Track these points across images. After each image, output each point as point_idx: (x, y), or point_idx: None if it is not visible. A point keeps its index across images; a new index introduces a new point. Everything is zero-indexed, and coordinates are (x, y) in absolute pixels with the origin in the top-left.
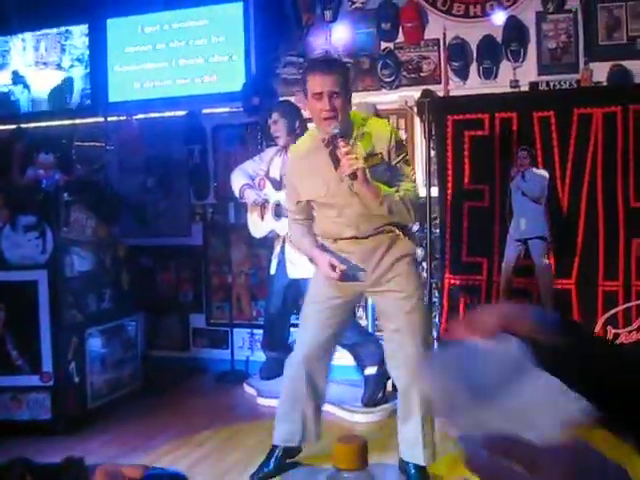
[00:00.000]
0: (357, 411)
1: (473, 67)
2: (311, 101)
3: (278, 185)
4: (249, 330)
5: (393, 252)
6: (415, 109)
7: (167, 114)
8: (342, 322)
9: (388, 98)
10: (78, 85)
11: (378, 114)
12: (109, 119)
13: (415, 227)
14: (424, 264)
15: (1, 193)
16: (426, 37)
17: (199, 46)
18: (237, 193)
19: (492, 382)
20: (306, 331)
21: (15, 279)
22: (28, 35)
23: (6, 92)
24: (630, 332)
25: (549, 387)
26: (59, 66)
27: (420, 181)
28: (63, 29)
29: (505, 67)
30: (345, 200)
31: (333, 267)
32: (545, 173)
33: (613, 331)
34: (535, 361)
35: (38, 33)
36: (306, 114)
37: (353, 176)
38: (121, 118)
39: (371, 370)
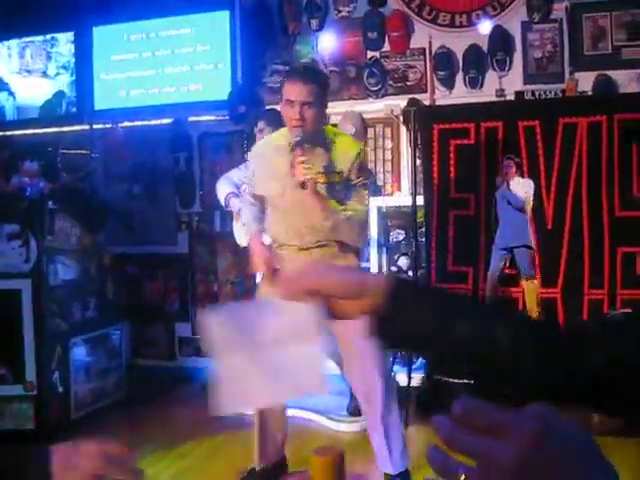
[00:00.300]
0: (342, 420)
1: (459, 76)
2: (283, 106)
3: None
4: None
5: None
6: (401, 118)
7: (153, 122)
8: None
9: (374, 107)
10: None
11: (365, 123)
12: (95, 127)
13: (401, 236)
14: (410, 273)
15: None
16: (412, 46)
17: (185, 54)
18: (223, 202)
19: (266, 337)
20: None
21: None
22: (13, 42)
23: None
24: None
25: (307, 355)
26: (45, 73)
27: (406, 190)
28: (49, 36)
29: (491, 76)
30: (295, 207)
31: (265, 265)
32: (530, 182)
33: None
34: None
35: (24, 40)
36: None
37: (303, 185)
38: (107, 126)
39: None
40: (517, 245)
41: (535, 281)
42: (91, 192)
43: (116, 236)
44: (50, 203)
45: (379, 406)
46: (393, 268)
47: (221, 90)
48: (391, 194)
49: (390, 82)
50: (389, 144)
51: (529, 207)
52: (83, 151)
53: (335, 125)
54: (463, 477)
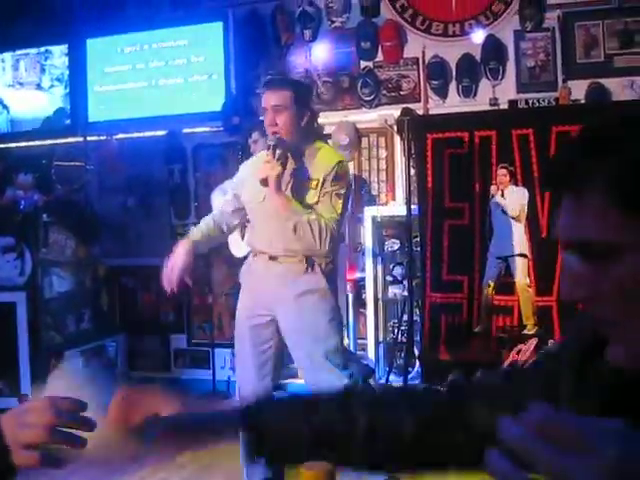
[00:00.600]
0: None
1: (452, 85)
2: (263, 115)
3: None
4: (230, 350)
5: (299, 284)
6: (395, 127)
7: (147, 134)
8: (272, 344)
9: (368, 117)
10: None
11: (359, 133)
12: (89, 139)
13: (396, 246)
14: (405, 282)
15: None
16: (405, 56)
17: (179, 66)
18: None
19: None
20: (238, 358)
21: None
22: (7, 55)
23: None
24: None
25: None
26: (39, 86)
27: (400, 199)
28: (43, 49)
29: (484, 85)
30: (265, 212)
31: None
32: (525, 191)
33: None
34: None
35: (17, 53)
36: None
37: (264, 182)
38: (101, 138)
39: None
40: (512, 254)
41: (530, 289)
42: (85, 204)
43: (111, 248)
44: (44, 216)
45: None
46: (388, 277)
47: (215, 101)
48: (385, 204)
49: (384, 92)
50: (383, 154)
51: (523, 216)
52: (77, 163)
53: (329, 135)
54: None
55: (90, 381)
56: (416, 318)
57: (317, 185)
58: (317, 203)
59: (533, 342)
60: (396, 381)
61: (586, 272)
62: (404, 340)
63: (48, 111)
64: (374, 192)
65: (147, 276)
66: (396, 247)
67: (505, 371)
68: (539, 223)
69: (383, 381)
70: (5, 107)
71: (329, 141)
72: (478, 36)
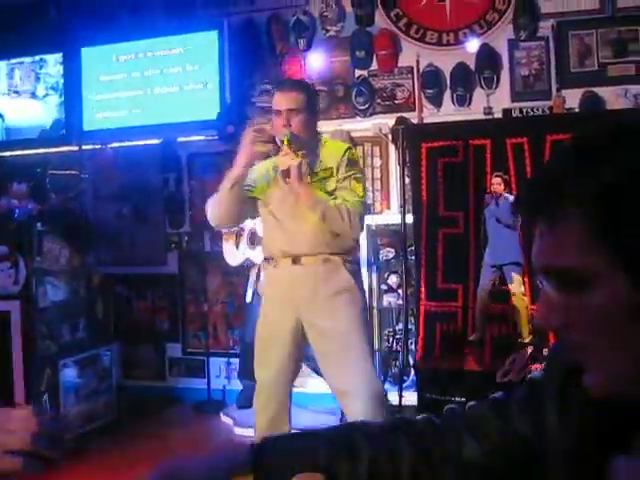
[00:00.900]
0: None
1: (447, 94)
2: (274, 118)
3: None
4: (226, 359)
5: (330, 285)
6: (389, 136)
7: (142, 142)
8: (292, 353)
9: (362, 125)
10: (55, 116)
11: (353, 142)
12: (84, 147)
13: (391, 254)
14: (399, 291)
15: None
16: (400, 65)
17: (174, 74)
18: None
19: None
20: (258, 366)
21: None
22: (2, 63)
23: None
24: None
25: None
26: (33, 95)
27: (395, 208)
28: (37, 58)
29: (478, 94)
30: (287, 210)
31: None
32: None
33: None
34: None
35: (12, 61)
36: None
37: (286, 173)
38: (96, 146)
39: None
40: (507, 262)
41: (525, 298)
42: (80, 213)
43: (105, 257)
44: (39, 224)
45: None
46: (383, 286)
47: (210, 110)
48: (380, 212)
49: (378, 101)
50: (378, 162)
51: (518, 224)
52: (72, 172)
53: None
54: None
55: None
56: (411, 327)
57: (333, 173)
58: (337, 189)
59: (528, 350)
60: (391, 390)
61: (560, 300)
62: (399, 349)
63: (43, 120)
64: (369, 201)
65: (142, 285)
66: (391, 256)
67: (492, 402)
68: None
69: None
70: (0, 116)
71: None
72: (472, 45)
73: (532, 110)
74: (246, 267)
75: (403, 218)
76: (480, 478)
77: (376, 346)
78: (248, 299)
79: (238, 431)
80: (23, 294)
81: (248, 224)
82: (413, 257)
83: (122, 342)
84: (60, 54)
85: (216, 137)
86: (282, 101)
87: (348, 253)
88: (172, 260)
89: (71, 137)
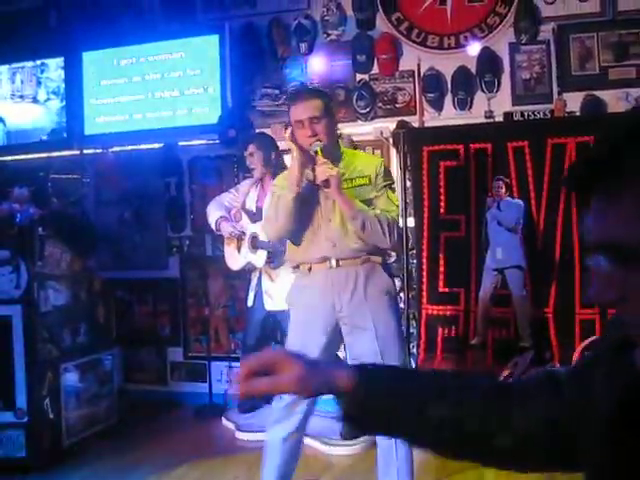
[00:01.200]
0: (336, 444)
1: (448, 98)
2: (295, 130)
3: (254, 217)
4: (227, 363)
5: (370, 285)
6: (391, 140)
7: (143, 147)
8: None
9: (364, 129)
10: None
11: (355, 146)
12: (85, 152)
13: (392, 259)
14: (402, 294)
15: None
16: (401, 68)
17: (175, 78)
18: (213, 225)
19: None
20: None
21: None
22: (4, 68)
23: None
24: None
25: None
26: (35, 99)
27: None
28: (39, 62)
29: (479, 98)
30: (323, 216)
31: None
32: (520, 202)
33: None
34: None
35: (14, 66)
36: (282, 146)
37: (326, 183)
38: (97, 151)
39: None
40: (508, 266)
41: (526, 301)
42: (82, 217)
43: (107, 261)
44: (40, 229)
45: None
46: None
47: (211, 114)
48: None
49: (379, 104)
50: None
51: (519, 227)
52: (73, 176)
53: None
54: None
55: None
56: (413, 330)
57: (370, 181)
58: (375, 198)
59: (529, 354)
60: None
61: (615, 274)
62: None
63: (44, 124)
64: None
65: (143, 289)
66: (392, 259)
67: (547, 372)
68: (535, 235)
69: None
70: (1, 120)
71: None
72: (473, 49)
73: (533, 114)
74: (247, 271)
75: (405, 221)
76: (530, 444)
77: None
78: (249, 303)
79: (240, 435)
80: (25, 298)
81: (249, 228)
82: (415, 261)
83: (123, 346)
84: (61, 58)
85: (217, 141)
86: (303, 111)
87: (384, 255)
88: (173, 264)
89: (72, 141)
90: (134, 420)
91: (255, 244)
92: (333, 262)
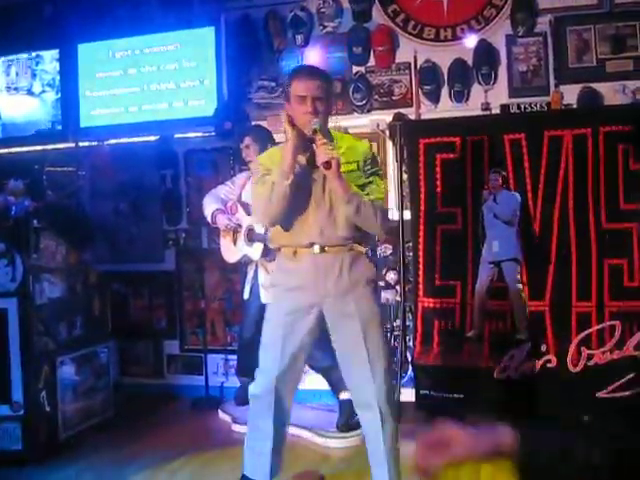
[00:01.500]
0: (331, 436)
1: (444, 90)
2: (294, 104)
3: (250, 210)
4: (223, 356)
5: (355, 272)
6: (387, 132)
7: (139, 139)
8: (306, 344)
9: (360, 122)
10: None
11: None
12: (81, 144)
13: (389, 251)
14: (397, 287)
15: None
16: (397, 61)
17: (170, 71)
18: (209, 218)
19: None
20: (267, 358)
21: None
22: None
23: None
24: (604, 353)
25: None
26: (30, 91)
27: (393, 204)
28: (34, 54)
29: (476, 90)
30: (316, 200)
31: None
32: (517, 195)
33: (587, 352)
34: None
35: (8, 58)
36: (278, 138)
37: (327, 165)
38: (93, 143)
39: (345, 394)
40: (505, 258)
41: (523, 294)
42: (77, 210)
43: (102, 254)
44: (35, 221)
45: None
46: (381, 283)
47: (207, 107)
48: None
49: (376, 97)
50: None
51: (516, 220)
52: (69, 169)
53: None
54: None
55: None
56: (409, 323)
57: (358, 168)
58: (364, 185)
59: (526, 347)
60: None
61: None
62: (397, 345)
63: (39, 117)
64: None
65: (139, 282)
66: (389, 252)
67: None
68: (532, 228)
69: None
70: None
71: None
72: (470, 41)
73: (530, 106)
74: (244, 264)
75: (401, 214)
76: None
77: None
78: (246, 296)
79: (236, 428)
80: (20, 291)
81: (245, 221)
82: (411, 253)
83: (119, 339)
84: (56, 50)
85: (213, 134)
86: (309, 87)
87: (368, 245)
88: (169, 257)
89: (68, 134)
90: (130, 413)
91: (251, 237)
92: (318, 248)
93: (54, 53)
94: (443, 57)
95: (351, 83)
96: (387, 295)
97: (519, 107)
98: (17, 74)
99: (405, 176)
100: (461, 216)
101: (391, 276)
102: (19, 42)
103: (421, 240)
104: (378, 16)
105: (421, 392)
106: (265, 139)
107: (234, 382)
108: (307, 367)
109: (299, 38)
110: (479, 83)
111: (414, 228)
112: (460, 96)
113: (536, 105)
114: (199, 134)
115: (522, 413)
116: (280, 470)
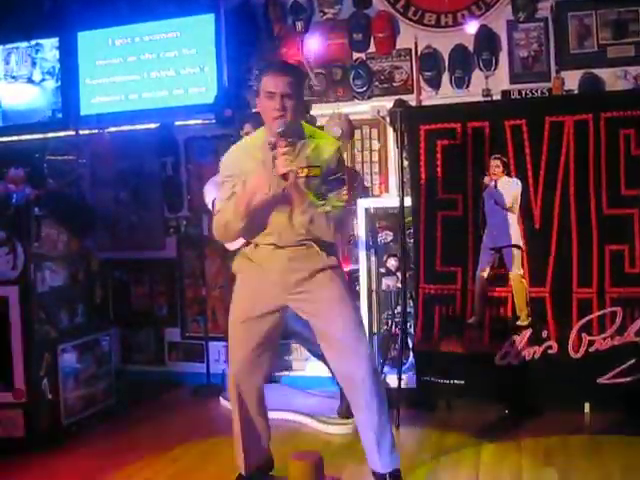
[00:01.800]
0: (332, 422)
1: (445, 76)
2: (263, 100)
3: None
4: (224, 343)
5: (311, 264)
6: (388, 119)
7: (139, 126)
8: (271, 335)
9: (360, 108)
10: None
11: (352, 124)
12: (81, 132)
13: (389, 237)
14: (398, 274)
15: None
16: (398, 47)
17: (170, 58)
18: (210, 205)
19: None
20: (233, 351)
21: None
22: None
23: None
24: (605, 339)
25: None
26: (30, 79)
27: (394, 191)
28: (34, 42)
29: (477, 76)
30: (278, 205)
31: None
32: (518, 181)
33: (588, 338)
34: None
35: (8, 46)
36: None
37: (284, 177)
38: (93, 131)
39: None
40: (505, 245)
41: (524, 280)
42: (78, 198)
43: (103, 241)
44: (36, 209)
45: (363, 392)
46: (382, 269)
47: (207, 94)
48: (379, 195)
49: (376, 83)
50: (376, 145)
51: (517, 207)
52: (69, 157)
53: (322, 127)
54: None
55: None
56: (410, 310)
57: (321, 170)
58: (325, 191)
59: (526, 333)
60: (390, 372)
61: None
62: (398, 332)
63: (40, 105)
64: (367, 184)
65: (140, 269)
66: (389, 239)
67: None
68: (532, 214)
69: None
70: None
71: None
72: (471, 27)
73: (531, 92)
74: None
75: (402, 201)
76: None
77: (375, 329)
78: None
79: None
80: (21, 279)
81: None
82: (412, 240)
83: (121, 327)
84: (56, 39)
85: (213, 121)
86: (278, 84)
87: (328, 244)
88: (170, 244)
89: (68, 122)
90: (132, 400)
91: None
92: (277, 247)
93: (54, 41)
94: (444, 43)
95: (352, 70)
96: (388, 282)
97: (520, 93)
98: (17, 62)
99: (406, 162)
100: (462, 202)
101: (392, 262)
102: (19, 30)
103: (422, 226)
104: (378, 2)
105: (422, 378)
106: None
107: None
108: (308, 354)
109: (299, 24)
110: (480, 69)
111: (415, 214)
112: (461, 82)
113: (537, 91)
114: (199, 121)
115: (523, 399)
116: (272, 464)
